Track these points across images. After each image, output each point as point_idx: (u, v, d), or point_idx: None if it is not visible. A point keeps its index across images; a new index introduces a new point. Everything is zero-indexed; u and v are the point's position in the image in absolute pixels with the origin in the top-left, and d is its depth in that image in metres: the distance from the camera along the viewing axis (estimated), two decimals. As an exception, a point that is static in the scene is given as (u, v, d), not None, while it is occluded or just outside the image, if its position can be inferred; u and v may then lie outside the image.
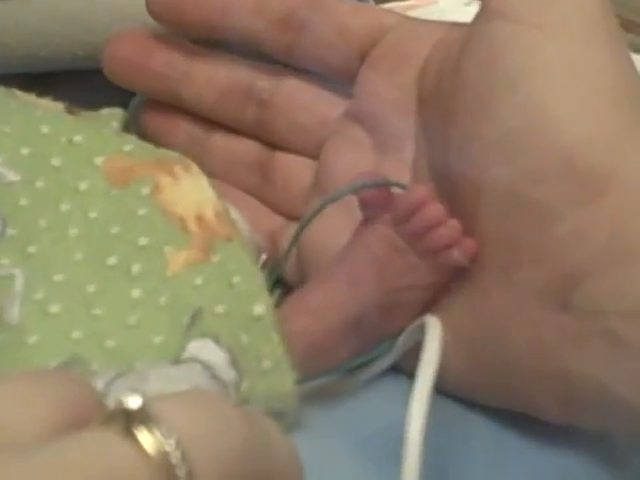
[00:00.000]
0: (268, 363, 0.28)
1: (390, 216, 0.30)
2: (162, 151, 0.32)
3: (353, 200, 0.31)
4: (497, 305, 0.29)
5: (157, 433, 0.19)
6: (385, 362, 0.30)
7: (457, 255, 0.29)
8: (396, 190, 0.31)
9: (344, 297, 0.30)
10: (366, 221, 0.30)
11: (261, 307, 0.28)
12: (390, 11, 0.36)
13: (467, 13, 0.47)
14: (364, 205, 0.30)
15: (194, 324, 0.28)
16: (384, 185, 0.30)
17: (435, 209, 0.29)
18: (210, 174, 0.32)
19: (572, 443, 0.30)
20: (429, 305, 0.31)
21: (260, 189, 0.36)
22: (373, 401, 0.31)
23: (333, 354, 0.30)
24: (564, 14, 0.29)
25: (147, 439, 0.19)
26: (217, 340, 0.28)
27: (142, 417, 0.19)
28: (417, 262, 0.30)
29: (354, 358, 0.30)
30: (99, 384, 0.26)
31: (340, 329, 0.30)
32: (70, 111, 0.34)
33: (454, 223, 0.29)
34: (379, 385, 0.31)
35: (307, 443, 0.24)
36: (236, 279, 0.29)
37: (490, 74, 0.29)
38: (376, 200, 0.30)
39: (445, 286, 0.30)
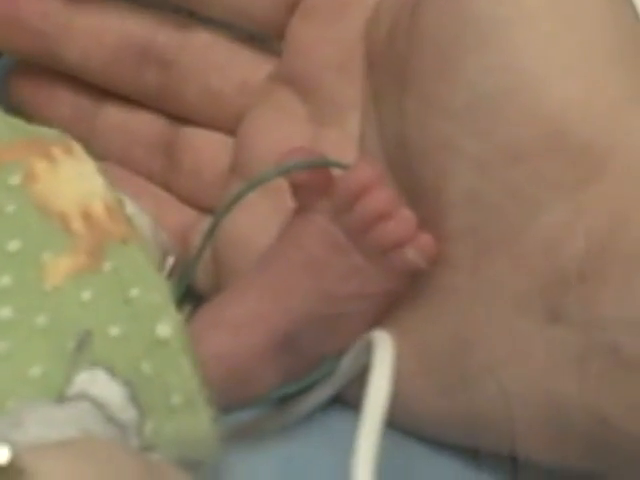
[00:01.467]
0: (177, 398, 0.28)
1: (329, 204, 0.30)
2: (36, 128, 0.32)
3: (283, 185, 0.31)
4: (466, 313, 0.30)
5: None
6: (325, 391, 0.31)
7: (412, 255, 0.30)
8: (337, 172, 0.31)
9: (272, 309, 0.30)
10: (300, 211, 0.31)
11: (167, 327, 0.28)
12: None
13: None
14: (297, 191, 0.30)
15: (82, 351, 0.28)
16: (321, 165, 0.31)
17: (383, 195, 0.29)
18: (101, 157, 0.32)
19: None
20: (380, 317, 0.31)
21: (165, 174, 0.37)
22: (312, 442, 0.31)
23: (260, 380, 0.30)
24: None
25: None
26: (111, 370, 0.28)
27: (12, 475, 0.20)
28: (363, 264, 0.30)
29: (286, 385, 0.31)
30: None
31: (267, 349, 0.30)
32: None
33: (407, 214, 0.30)
34: (318, 422, 0.31)
35: None
36: (134, 292, 0.29)
37: (458, 25, 0.29)
38: (312, 184, 0.30)
39: (399, 294, 0.31)
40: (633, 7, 0.30)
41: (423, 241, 0.30)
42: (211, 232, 0.32)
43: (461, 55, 0.29)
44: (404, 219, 0.29)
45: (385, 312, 0.31)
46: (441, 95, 0.30)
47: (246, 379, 0.30)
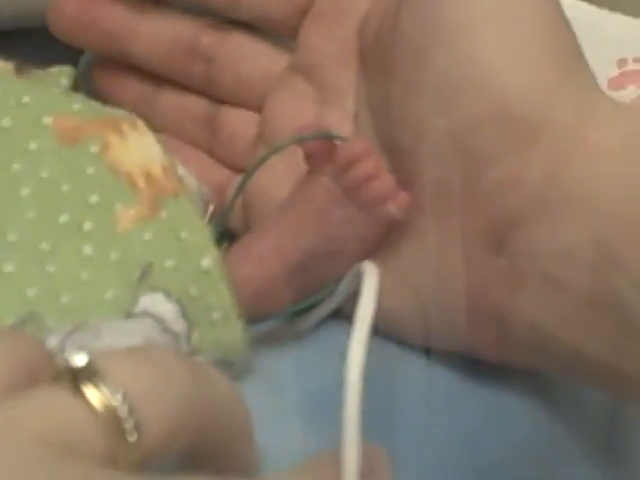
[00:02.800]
0: (217, 314, 0.28)
1: (332, 169, 0.30)
2: (109, 109, 0.32)
3: (297, 151, 0.31)
4: (436, 249, 0.30)
5: (104, 389, 0.20)
6: (327, 308, 0.31)
7: (392, 208, 0.30)
8: (339, 143, 0.31)
9: (286, 245, 0.30)
10: (310, 173, 0.31)
11: (209, 260, 0.29)
12: None
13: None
14: (308, 157, 0.30)
15: (145, 278, 0.28)
16: (326, 137, 0.30)
17: (372, 162, 0.29)
18: (160, 130, 0.32)
19: (507, 382, 0.31)
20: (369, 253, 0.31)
21: (208, 143, 0.36)
22: (318, 346, 0.31)
23: (278, 299, 0.30)
24: None
25: (94, 395, 0.20)
26: (167, 293, 0.28)
27: (89, 374, 0.20)
28: (356, 214, 0.30)
29: (298, 303, 0.31)
30: (54, 340, 0.26)
31: (283, 275, 0.30)
32: (20, 70, 0.34)
33: (389, 177, 0.30)
34: (323, 330, 0.31)
35: (256, 390, 0.25)
36: (184, 233, 0.29)
37: (428, 26, 0.29)
38: (319, 151, 0.30)
39: (384, 236, 0.31)
40: (561, 7, 0.29)
41: (400, 198, 0.30)
42: (241, 186, 0.32)
43: (432, 49, 0.29)
44: (386, 181, 0.30)
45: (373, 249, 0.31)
46: (417, 81, 0.29)
47: (266, 299, 0.30)
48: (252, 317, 0.29)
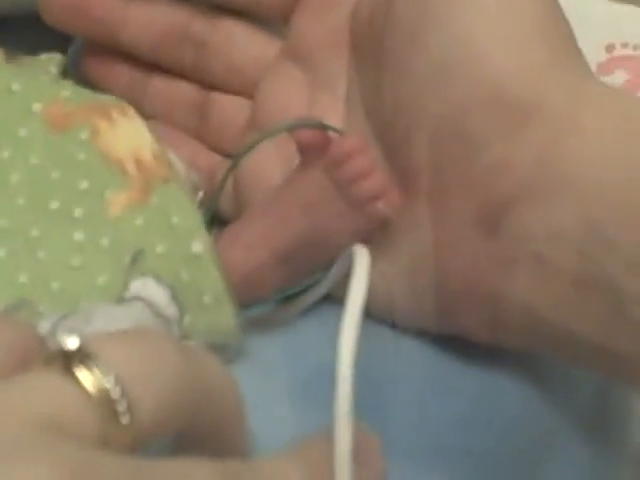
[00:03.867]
0: (208, 298, 0.28)
1: (323, 163, 0.30)
2: (99, 96, 0.32)
3: (289, 137, 0.31)
4: (430, 232, 0.30)
5: (96, 371, 0.20)
6: (318, 292, 0.31)
7: (381, 207, 0.30)
8: (333, 135, 0.31)
9: (275, 233, 0.30)
10: (302, 164, 0.30)
11: (200, 245, 0.29)
12: None
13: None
14: (301, 149, 0.30)
15: (136, 264, 0.28)
16: (317, 127, 0.30)
17: (364, 159, 0.29)
18: (150, 116, 0.32)
19: (499, 363, 0.31)
20: None
21: (199, 129, 0.36)
22: (309, 329, 0.31)
23: (265, 286, 0.30)
24: None
25: (86, 377, 0.20)
26: (158, 278, 0.28)
27: (81, 357, 0.20)
28: (345, 209, 0.30)
29: (287, 288, 0.31)
30: (45, 326, 0.26)
31: (271, 263, 0.30)
32: (9, 57, 0.34)
33: (381, 175, 0.30)
34: (314, 314, 0.31)
35: (247, 373, 0.25)
36: (175, 219, 0.29)
37: (422, 10, 0.29)
38: (313, 144, 0.30)
39: (374, 232, 0.30)
40: None
41: (391, 197, 0.30)
42: (230, 170, 0.32)
43: (424, 34, 0.29)
44: (378, 179, 0.29)
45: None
46: (410, 64, 0.29)
47: (254, 284, 0.30)
48: (242, 302, 0.29)
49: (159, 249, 0.29)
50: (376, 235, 0.31)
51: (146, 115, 0.32)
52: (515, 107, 0.28)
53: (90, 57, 0.37)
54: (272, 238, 0.30)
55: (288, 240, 0.30)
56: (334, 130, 0.31)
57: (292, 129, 0.30)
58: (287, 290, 0.31)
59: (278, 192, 0.31)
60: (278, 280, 0.30)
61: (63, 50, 0.36)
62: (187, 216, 0.29)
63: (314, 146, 0.30)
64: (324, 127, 0.31)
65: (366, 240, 0.30)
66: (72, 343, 0.20)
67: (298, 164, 0.31)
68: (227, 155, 0.35)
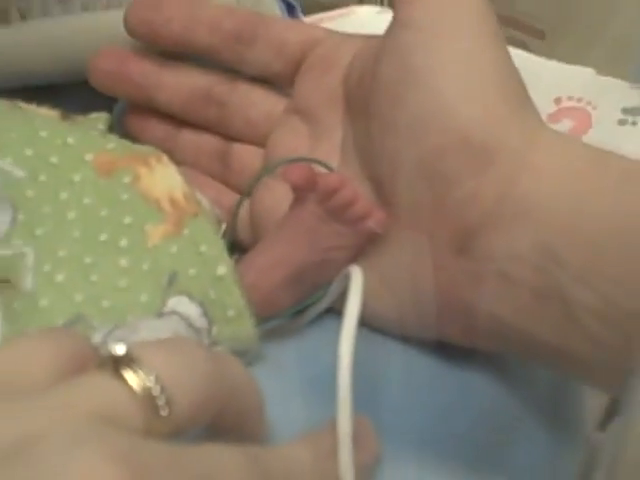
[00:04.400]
0: (232, 312, 0.28)
1: (314, 196, 0.30)
2: (139, 146, 0.32)
3: None
4: (412, 254, 0.30)
5: (140, 372, 0.20)
6: (321, 306, 0.31)
7: (371, 224, 0.30)
8: (319, 168, 0.31)
9: (285, 258, 0.30)
10: (296, 199, 0.31)
11: (224, 268, 0.29)
12: (319, 27, 0.36)
13: (380, 20, 0.48)
14: (293, 187, 0.30)
15: (172, 285, 0.28)
16: (305, 161, 0.31)
17: (348, 191, 0.29)
18: (180, 163, 0.32)
19: (474, 363, 0.31)
20: (359, 257, 0.31)
21: (222, 173, 0.36)
22: (315, 337, 0.31)
23: (279, 304, 0.30)
24: (456, 23, 0.29)
25: (132, 378, 0.20)
26: (191, 296, 0.28)
27: (127, 360, 0.20)
28: (341, 228, 0.30)
29: (297, 304, 0.31)
30: (98, 337, 0.27)
31: (283, 283, 0.30)
32: (64, 117, 0.34)
33: (366, 199, 0.30)
34: (319, 325, 0.31)
35: (264, 374, 0.25)
36: (203, 247, 0.29)
37: (401, 72, 0.29)
38: (302, 183, 0.30)
39: (367, 244, 0.31)
40: (510, 56, 0.29)
41: (378, 215, 0.30)
42: (240, 203, 0.33)
43: (403, 92, 0.29)
44: (364, 203, 0.30)
45: (358, 255, 0.31)
46: (392, 117, 0.29)
47: (271, 303, 0.30)
48: (258, 318, 0.29)
49: (190, 272, 0.28)
50: (368, 250, 0.31)
51: (177, 162, 0.32)
52: (480, 150, 0.28)
53: (131, 115, 0.38)
54: (283, 262, 0.30)
55: (296, 262, 0.30)
56: (325, 166, 0.31)
57: (281, 165, 0.31)
58: (297, 307, 0.31)
59: (283, 223, 0.31)
60: (290, 299, 0.30)
61: (109, 109, 0.36)
62: (213, 245, 0.29)
63: (303, 184, 0.30)
64: (317, 163, 0.31)
65: (360, 253, 0.30)
66: (120, 349, 0.20)
67: (293, 199, 0.31)
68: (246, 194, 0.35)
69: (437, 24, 0.29)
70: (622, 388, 0.21)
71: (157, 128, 0.37)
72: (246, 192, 0.32)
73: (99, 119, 0.35)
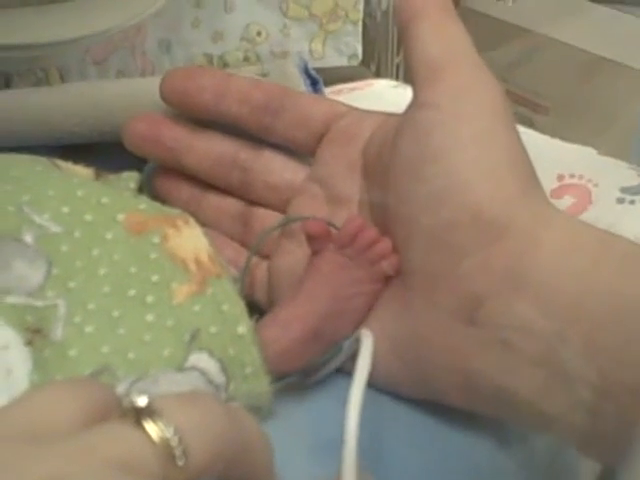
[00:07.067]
0: (249, 370, 0.28)
1: (332, 245, 0.31)
2: (167, 209, 0.32)
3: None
4: (420, 318, 0.30)
5: (160, 423, 0.20)
6: (332, 366, 0.31)
7: (386, 266, 0.31)
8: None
9: (305, 310, 0.30)
10: (314, 253, 0.31)
11: (244, 327, 0.29)
12: (341, 102, 0.36)
13: (395, 94, 0.49)
14: (309, 239, 0.31)
15: (193, 341, 0.29)
16: (308, 219, 0.32)
17: (372, 231, 0.31)
18: (204, 224, 0.33)
19: (476, 426, 0.31)
20: (369, 317, 0.31)
21: (241, 235, 0.37)
22: (326, 397, 0.31)
23: (299, 358, 0.30)
24: (475, 105, 0.30)
25: (152, 428, 0.20)
26: (211, 353, 0.28)
27: (148, 412, 0.20)
28: (359, 275, 0.31)
29: (312, 361, 0.31)
30: (122, 387, 0.27)
31: (303, 337, 0.30)
32: (98, 174, 0.35)
33: (387, 240, 0.31)
34: (330, 384, 0.31)
35: (275, 431, 0.25)
36: (225, 306, 0.29)
37: (419, 149, 0.30)
38: (317, 231, 0.31)
39: (379, 295, 0.31)
40: (519, 137, 0.30)
41: (393, 259, 0.31)
42: (249, 259, 0.33)
43: (421, 166, 0.30)
44: (386, 242, 0.31)
45: (371, 312, 0.31)
46: (409, 190, 0.30)
47: (291, 356, 0.30)
48: (275, 373, 0.29)
49: (212, 330, 0.29)
50: (380, 315, 0.31)
51: (200, 223, 0.32)
52: (490, 225, 0.28)
53: (160, 177, 0.38)
54: (304, 315, 0.30)
55: (317, 315, 0.30)
56: (334, 227, 0.32)
57: (288, 223, 0.32)
58: (312, 365, 0.31)
59: (303, 278, 0.31)
60: (307, 355, 0.30)
61: (139, 169, 0.37)
62: (234, 305, 0.29)
63: (319, 232, 0.31)
64: (313, 219, 0.32)
65: (373, 302, 0.31)
66: (142, 401, 0.21)
67: (311, 254, 0.31)
68: (264, 256, 0.36)
69: (456, 105, 0.30)
70: (619, 458, 0.21)
71: (184, 190, 0.38)
72: (254, 247, 0.33)
73: (130, 178, 0.35)
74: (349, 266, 0.31)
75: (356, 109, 0.35)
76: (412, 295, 0.30)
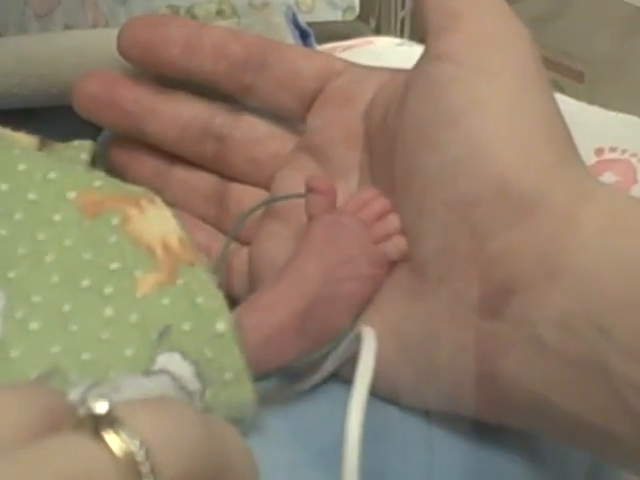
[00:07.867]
0: (229, 375, 0.29)
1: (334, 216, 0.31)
2: (129, 186, 0.32)
3: (298, 219, 0.32)
4: (434, 312, 0.30)
5: (123, 434, 0.20)
6: (326, 369, 0.31)
7: (389, 248, 0.31)
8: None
9: (292, 292, 0.31)
10: (310, 221, 0.32)
11: (223, 324, 0.29)
12: (337, 56, 0.37)
13: (400, 53, 0.48)
14: (310, 201, 0.32)
15: (163, 340, 0.29)
16: (298, 197, 0.32)
17: (384, 202, 0.31)
18: (171, 204, 0.33)
19: (499, 441, 0.31)
20: (369, 311, 0.31)
21: (216, 217, 0.37)
22: (317, 407, 0.31)
23: (284, 347, 0.30)
24: (501, 59, 0.30)
25: (114, 440, 0.20)
26: (184, 354, 0.28)
27: (109, 420, 0.20)
28: (354, 254, 0.31)
29: (300, 357, 0.31)
30: (76, 393, 0.27)
31: (290, 322, 0.30)
32: (43, 143, 0.35)
33: (394, 217, 0.31)
34: (322, 392, 0.32)
35: (261, 446, 0.25)
36: (199, 299, 0.29)
37: (433, 109, 0.30)
38: (324, 189, 0.32)
39: (381, 283, 0.31)
40: (555, 99, 0.30)
41: (398, 241, 0.31)
42: (228, 243, 0.34)
43: (434, 132, 0.30)
44: (391, 220, 0.31)
45: (371, 305, 0.32)
46: (421, 159, 0.30)
47: (275, 344, 0.30)
48: (256, 370, 0.29)
49: (185, 327, 0.29)
50: (384, 309, 0.31)
51: (166, 202, 0.32)
52: (519, 201, 0.28)
53: (117, 146, 0.38)
54: (289, 297, 0.31)
55: (304, 297, 0.30)
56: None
57: (275, 201, 0.33)
58: (301, 361, 0.31)
59: (294, 256, 0.32)
60: (294, 348, 0.30)
61: (93, 138, 0.37)
62: (211, 297, 0.30)
63: (323, 190, 0.32)
64: (299, 197, 0.32)
65: (373, 290, 0.31)
66: (101, 408, 0.20)
67: (307, 225, 0.32)
68: (242, 242, 0.36)
69: (477, 58, 0.30)
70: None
71: (146, 163, 0.38)
72: (232, 231, 0.33)
73: (82, 147, 0.35)
74: (344, 242, 0.31)
75: (355, 65, 0.36)
76: (423, 284, 0.30)
